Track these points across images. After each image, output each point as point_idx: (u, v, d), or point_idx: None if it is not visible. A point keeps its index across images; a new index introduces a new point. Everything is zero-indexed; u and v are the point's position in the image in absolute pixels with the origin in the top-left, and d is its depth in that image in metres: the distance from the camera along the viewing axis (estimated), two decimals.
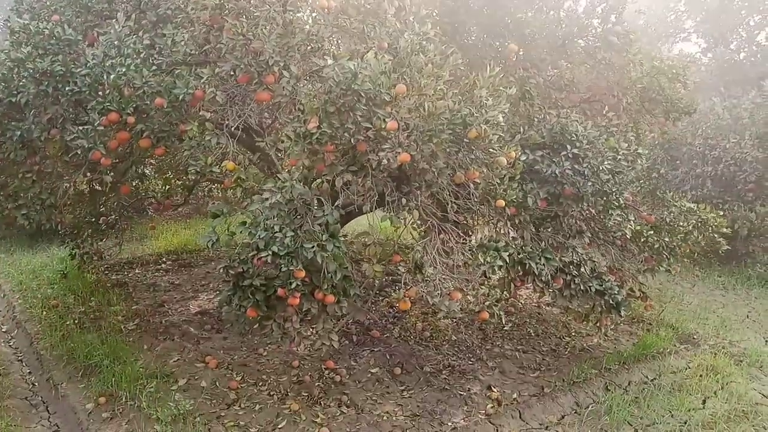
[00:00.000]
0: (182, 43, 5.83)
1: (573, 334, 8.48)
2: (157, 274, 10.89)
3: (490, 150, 4.98)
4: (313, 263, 5.08)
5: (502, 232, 6.01)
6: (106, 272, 10.64)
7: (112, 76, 5.70)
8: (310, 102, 5.18)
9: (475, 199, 5.54)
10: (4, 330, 8.31)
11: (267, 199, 5.02)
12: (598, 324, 7.51)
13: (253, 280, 5.30)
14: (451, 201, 5.67)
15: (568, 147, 5.98)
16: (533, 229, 6.25)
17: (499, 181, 5.34)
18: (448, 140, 4.78)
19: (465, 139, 4.86)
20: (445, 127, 4.70)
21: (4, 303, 9.26)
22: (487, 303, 5.30)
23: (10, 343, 7.87)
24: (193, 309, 9.08)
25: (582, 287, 6.59)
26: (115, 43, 6.07)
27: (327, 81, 5.09)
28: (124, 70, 5.69)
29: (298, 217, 5.26)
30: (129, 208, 9.97)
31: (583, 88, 7.32)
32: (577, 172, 5.93)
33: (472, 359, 7.45)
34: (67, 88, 5.89)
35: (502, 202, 5.32)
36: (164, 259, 11.74)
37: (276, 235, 4.98)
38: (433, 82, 4.76)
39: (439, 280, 5.20)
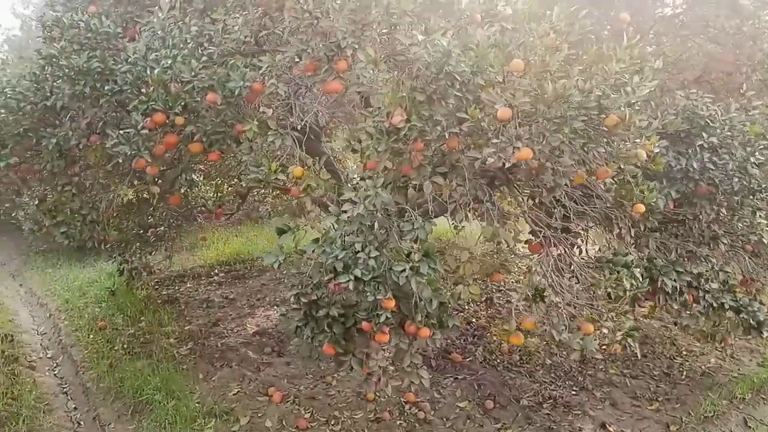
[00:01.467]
0: (235, 28, 4.94)
1: (684, 353, 7.31)
2: (209, 287, 10.13)
3: (627, 140, 3.93)
4: (402, 288, 4.13)
5: (626, 241, 4.92)
6: (157, 287, 9.93)
7: (156, 71, 4.87)
8: (393, 91, 4.22)
9: (607, 204, 4.51)
10: (49, 356, 7.61)
11: (346, 211, 4.09)
12: (722, 344, 6.37)
13: (329, 310, 4.37)
14: (560, 206, 4.63)
15: (704, 135, 4.86)
16: (657, 237, 5.16)
17: (632, 180, 4.28)
18: (580, 130, 3.75)
19: (602, 128, 3.82)
20: (577, 113, 3.68)
21: (50, 324, 8.60)
22: (620, 334, 4.26)
23: (56, 372, 7.15)
24: (251, 328, 8.24)
25: (714, 303, 5.48)
26: (159, 33, 5.24)
27: (414, 63, 4.13)
28: (169, 62, 4.84)
29: (382, 231, 4.31)
30: (178, 217, 9.22)
31: (700, 64, 6.16)
32: (717, 165, 4.81)
33: (574, 388, 6.39)
34: (106, 88, 5.11)
35: (641, 207, 4.25)
36: (216, 270, 10.98)
37: (358, 255, 4.04)
38: (556, 57, 3.73)
39: (564, 308, 4.18)
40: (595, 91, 3.71)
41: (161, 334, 7.83)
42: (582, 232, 5.15)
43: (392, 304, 4.05)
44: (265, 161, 4.58)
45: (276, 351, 7.44)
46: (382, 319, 4.08)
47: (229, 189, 8.94)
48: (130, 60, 5.22)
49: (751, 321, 5.52)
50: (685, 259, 5.25)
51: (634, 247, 5.13)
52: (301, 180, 4.62)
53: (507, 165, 3.84)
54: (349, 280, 4.04)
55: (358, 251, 4.09)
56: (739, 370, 6.88)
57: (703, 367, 6.92)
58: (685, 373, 6.76)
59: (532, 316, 4.36)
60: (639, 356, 6.08)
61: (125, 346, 7.41)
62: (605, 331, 4.23)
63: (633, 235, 4.94)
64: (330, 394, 6.34)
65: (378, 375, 4.46)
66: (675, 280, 4.96)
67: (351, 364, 4.54)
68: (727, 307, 5.53)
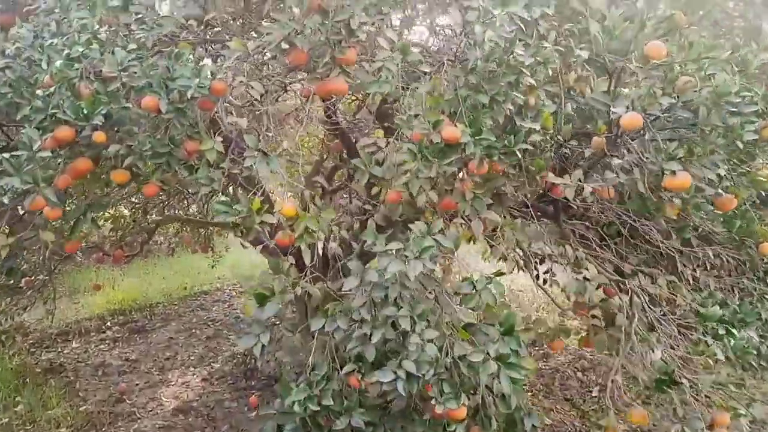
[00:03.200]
0: (178, 2, 3.42)
1: None
2: (103, 347, 8.15)
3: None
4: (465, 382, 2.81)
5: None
6: (33, 351, 7.83)
7: (57, 64, 3.24)
8: (436, 91, 2.92)
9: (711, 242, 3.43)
10: None
11: (386, 268, 2.69)
12: None
13: (351, 417, 2.94)
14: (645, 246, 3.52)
15: None
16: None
17: (756, 210, 3.24)
18: (723, 145, 2.65)
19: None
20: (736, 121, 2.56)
21: None
22: None
23: None
24: (168, 402, 6.48)
25: None
26: (56, 12, 3.62)
27: (473, 51, 2.85)
28: (80, 50, 3.23)
29: (428, 296, 2.96)
30: (61, 261, 7.24)
31: None
32: None
33: None
34: None
35: None
36: (108, 323, 8.98)
37: (411, 339, 2.66)
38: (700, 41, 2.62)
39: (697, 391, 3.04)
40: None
41: (47, 421, 5.91)
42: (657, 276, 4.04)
43: (464, 413, 2.70)
44: (242, 196, 3.07)
45: None
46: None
47: (132, 223, 7.11)
48: (8, 51, 3.58)
49: None
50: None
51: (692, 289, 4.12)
52: (293, 221, 3.15)
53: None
54: (395, 379, 2.65)
55: (404, 329, 2.72)
56: None
57: None
58: None
59: (639, 406, 3.17)
60: None
61: None
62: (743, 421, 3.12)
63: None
64: None
65: None
66: None
67: None
68: None
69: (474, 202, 3.01)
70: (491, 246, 3.40)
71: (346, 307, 3.07)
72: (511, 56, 2.90)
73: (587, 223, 4.10)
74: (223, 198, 3.08)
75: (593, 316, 3.75)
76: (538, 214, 3.94)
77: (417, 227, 2.74)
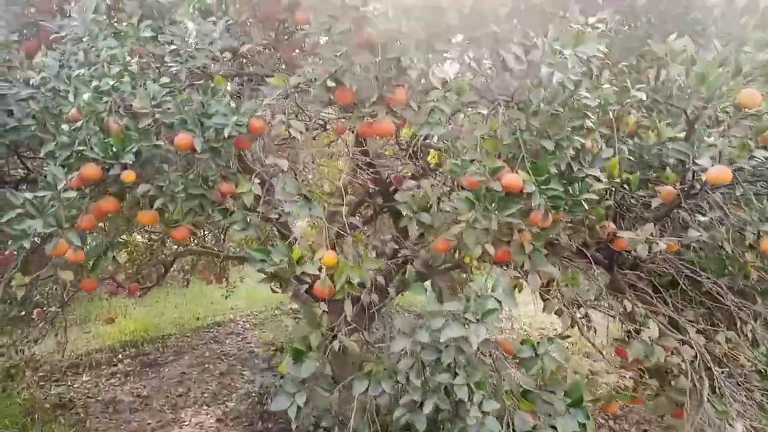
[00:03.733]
0: (214, 34, 3.22)
1: None
2: (113, 381, 7.87)
3: None
4: None
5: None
6: (43, 385, 7.56)
7: (85, 97, 3.04)
8: (491, 134, 2.69)
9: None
10: None
11: (443, 331, 2.43)
12: None
13: None
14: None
15: None
16: None
17: None
18: None
19: None
20: None
21: None
22: None
23: None
24: None
25: None
26: (84, 40, 3.44)
27: (535, 92, 2.63)
28: (110, 83, 3.03)
29: (483, 359, 2.69)
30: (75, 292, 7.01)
31: None
32: None
33: None
34: None
35: None
36: (120, 355, 8.71)
37: (471, 412, 2.38)
38: None
39: None
40: None
41: None
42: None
43: None
44: (280, 243, 2.83)
45: None
46: None
47: (149, 255, 6.89)
48: (32, 81, 3.41)
49: None
50: None
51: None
52: (333, 270, 2.90)
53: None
54: None
55: (459, 399, 2.45)
56: None
57: None
58: None
59: None
60: None
61: None
62: None
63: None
64: None
65: None
66: None
67: None
68: None
69: (533, 255, 2.75)
70: (544, 299, 3.14)
71: (390, 367, 2.80)
72: (576, 98, 2.67)
73: (639, 273, 3.84)
74: (256, 245, 2.84)
75: (641, 373, 3.47)
76: (588, 261, 3.68)
77: (475, 284, 2.48)
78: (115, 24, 3.66)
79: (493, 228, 2.53)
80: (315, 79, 2.86)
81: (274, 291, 3.62)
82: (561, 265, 3.29)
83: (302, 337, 2.95)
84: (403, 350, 2.68)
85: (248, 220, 2.99)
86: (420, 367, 2.65)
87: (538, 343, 2.65)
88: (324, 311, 3.26)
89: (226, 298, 9.44)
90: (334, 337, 3.11)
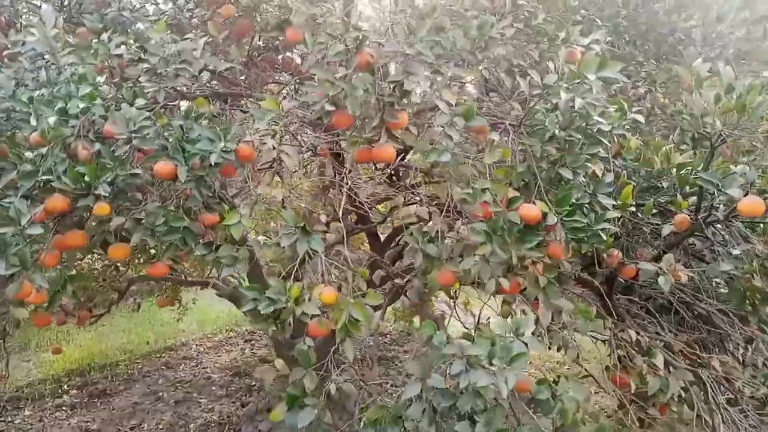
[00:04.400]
0: (195, 53, 2.95)
1: None
2: (59, 414, 7.34)
3: None
4: None
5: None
6: None
7: (51, 120, 2.73)
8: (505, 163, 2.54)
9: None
10: None
11: (462, 376, 2.24)
12: None
13: None
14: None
15: None
16: None
17: None
18: None
19: None
20: None
21: None
22: None
23: None
24: None
25: None
26: (45, 57, 3.13)
27: (550, 117, 2.48)
28: (79, 105, 2.73)
29: (499, 402, 2.51)
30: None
31: None
32: None
33: None
34: None
35: None
36: (65, 385, 8.15)
37: None
38: None
39: None
40: None
41: None
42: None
43: None
44: (276, 282, 2.58)
45: None
46: None
47: (102, 282, 6.44)
48: None
49: None
50: None
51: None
52: (333, 308, 2.67)
53: None
54: None
55: None
56: None
57: None
58: None
59: None
60: None
61: None
62: None
63: None
64: None
65: None
66: None
67: None
68: None
69: (548, 288, 2.60)
70: (549, 330, 3.00)
71: (396, 410, 2.60)
72: (590, 124, 2.55)
73: (632, 297, 3.77)
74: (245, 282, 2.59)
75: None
76: (583, 286, 3.59)
77: (500, 324, 2.31)
78: (76, 41, 3.34)
79: (514, 262, 2.37)
80: (311, 102, 2.64)
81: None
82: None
83: (295, 381, 2.71)
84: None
85: (237, 254, 2.73)
86: (432, 413, 2.45)
87: (556, 382, 2.50)
88: (310, 347, 3.02)
89: (178, 320, 9.01)
90: (324, 378, 2.88)
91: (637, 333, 3.11)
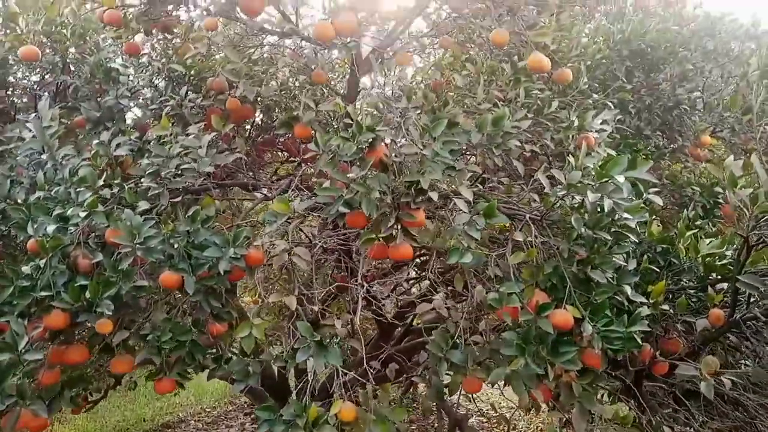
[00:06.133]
0: (199, 150, 2.84)
1: None
2: None
3: None
4: None
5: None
6: None
7: (49, 229, 2.59)
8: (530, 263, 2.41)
9: None
10: None
11: None
12: None
13: None
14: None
15: None
16: None
17: None
18: None
19: None
20: None
21: None
22: None
23: None
24: None
25: None
26: (40, 153, 3.03)
27: (576, 215, 2.37)
28: (80, 214, 2.59)
29: None
30: None
31: None
32: None
33: None
34: None
35: None
36: None
37: None
38: None
39: None
40: None
41: None
42: None
43: None
44: (292, 401, 2.40)
45: None
46: None
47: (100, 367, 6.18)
48: None
49: None
50: None
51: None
52: (353, 426, 2.49)
53: None
54: None
55: None
56: None
57: None
58: None
59: None
60: None
61: None
62: None
63: None
64: None
65: None
66: None
67: None
68: None
69: (583, 396, 2.44)
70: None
71: None
72: (617, 220, 2.44)
73: (658, 383, 3.59)
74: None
75: None
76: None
77: None
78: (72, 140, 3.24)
79: (550, 379, 2.22)
80: (325, 205, 2.53)
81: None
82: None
83: None
84: None
85: (249, 369, 2.56)
86: None
87: None
88: None
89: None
90: None
91: (672, 429, 2.93)
